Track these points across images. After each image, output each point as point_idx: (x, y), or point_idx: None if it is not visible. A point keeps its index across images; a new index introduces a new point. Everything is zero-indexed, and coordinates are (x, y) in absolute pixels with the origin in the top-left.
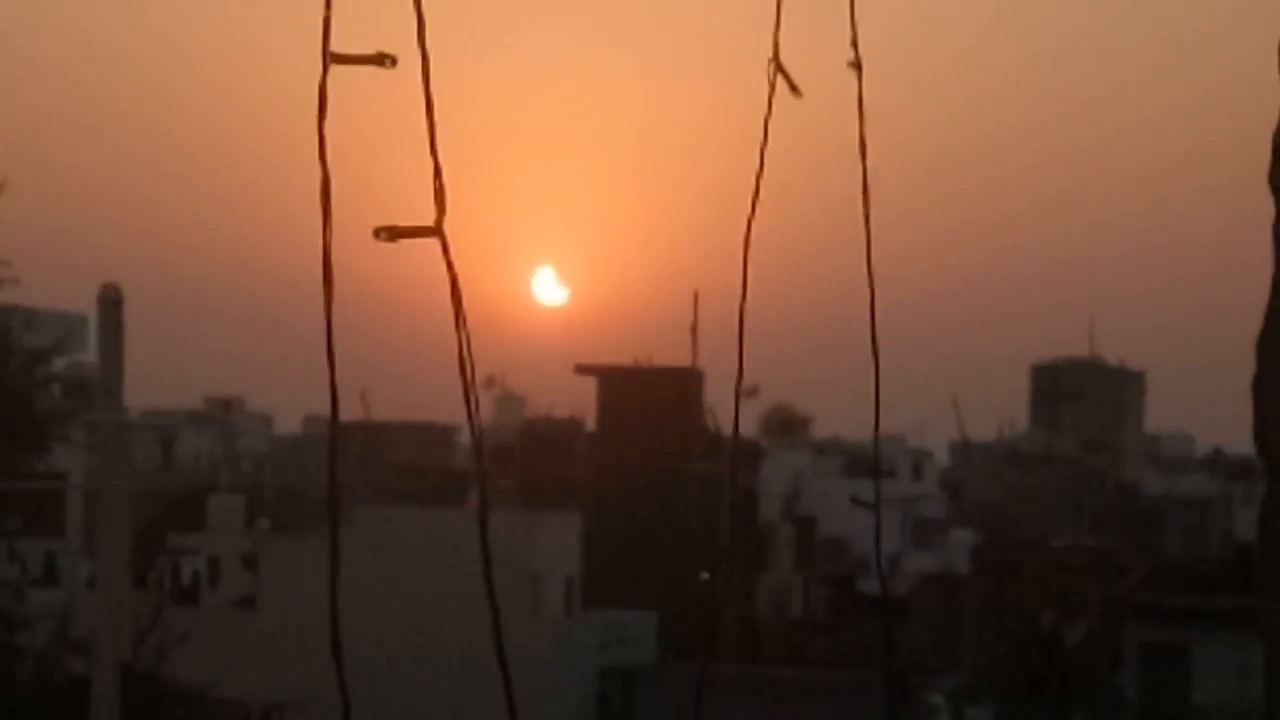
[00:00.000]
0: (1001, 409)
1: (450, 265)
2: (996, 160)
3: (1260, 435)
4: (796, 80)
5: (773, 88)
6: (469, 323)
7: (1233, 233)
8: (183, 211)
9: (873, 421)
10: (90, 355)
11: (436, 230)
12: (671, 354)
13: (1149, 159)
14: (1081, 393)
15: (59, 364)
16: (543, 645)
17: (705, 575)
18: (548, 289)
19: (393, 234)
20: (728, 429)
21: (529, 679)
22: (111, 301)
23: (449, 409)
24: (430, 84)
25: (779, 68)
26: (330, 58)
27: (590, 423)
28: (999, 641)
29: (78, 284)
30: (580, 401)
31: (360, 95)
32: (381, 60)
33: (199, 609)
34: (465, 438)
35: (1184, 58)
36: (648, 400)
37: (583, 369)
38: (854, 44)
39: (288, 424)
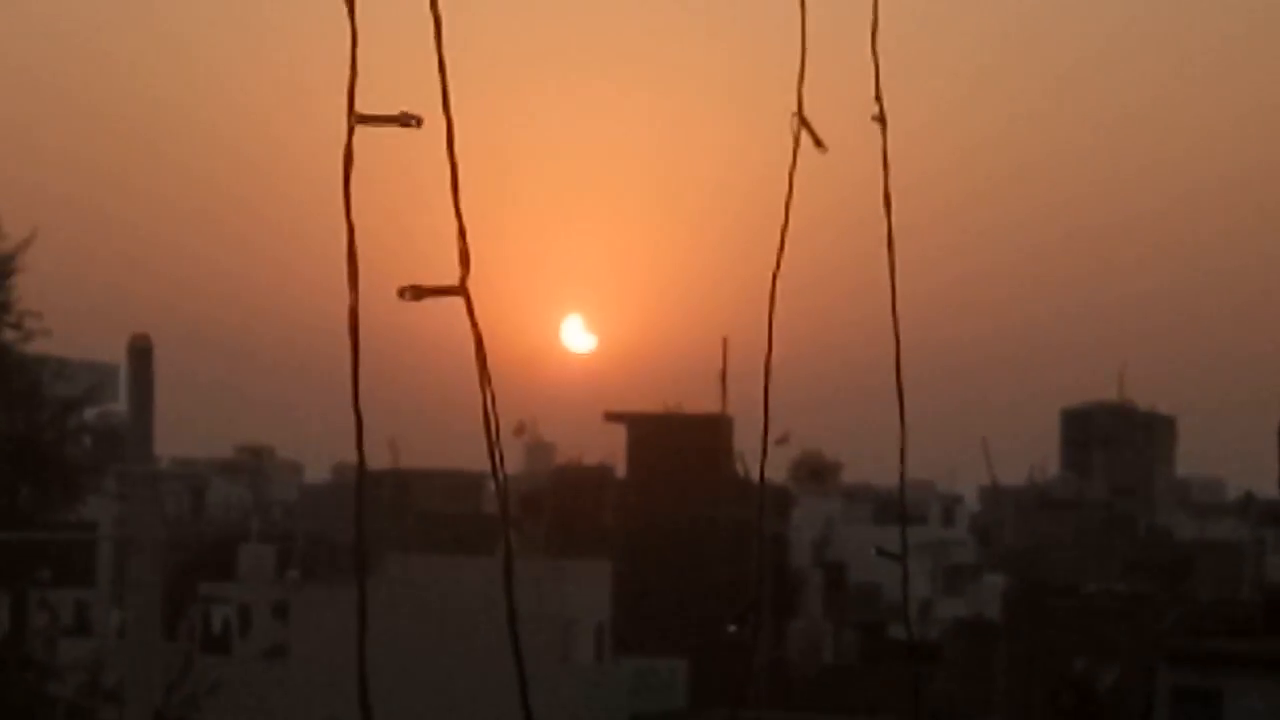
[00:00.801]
0: (1032, 454)
1: (474, 323)
2: (1024, 203)
3: None
4: (820, 132)
5: (797, 141)
6: (498, 372)
7: (1264, 274)
8: (213, 262)
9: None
10: (120, 405)
11: (461, 289)
12: (701, 401)
13: (1176, 201)
14: (1112, 438)
15: (89, 414)
16: (574, 692)
17: (733, 626)
18: (576, 337)
19: (417, 293)
20: (758, 476)
21: None
22: (141, 351)
23: (478, 456)
24: (454, 144)
25: (803, 121)
26: (355, 118)
27: (620, 469)
28: (1031, 687)
29: (108, 334)
30: (610, 448)
31: (387, 154)
32: (406, 121)
33: (229, 658)
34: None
35: (1209, 93)
36: (677, 447)
37: (612, 416)
38: (878, 97)
39: (318, 472)
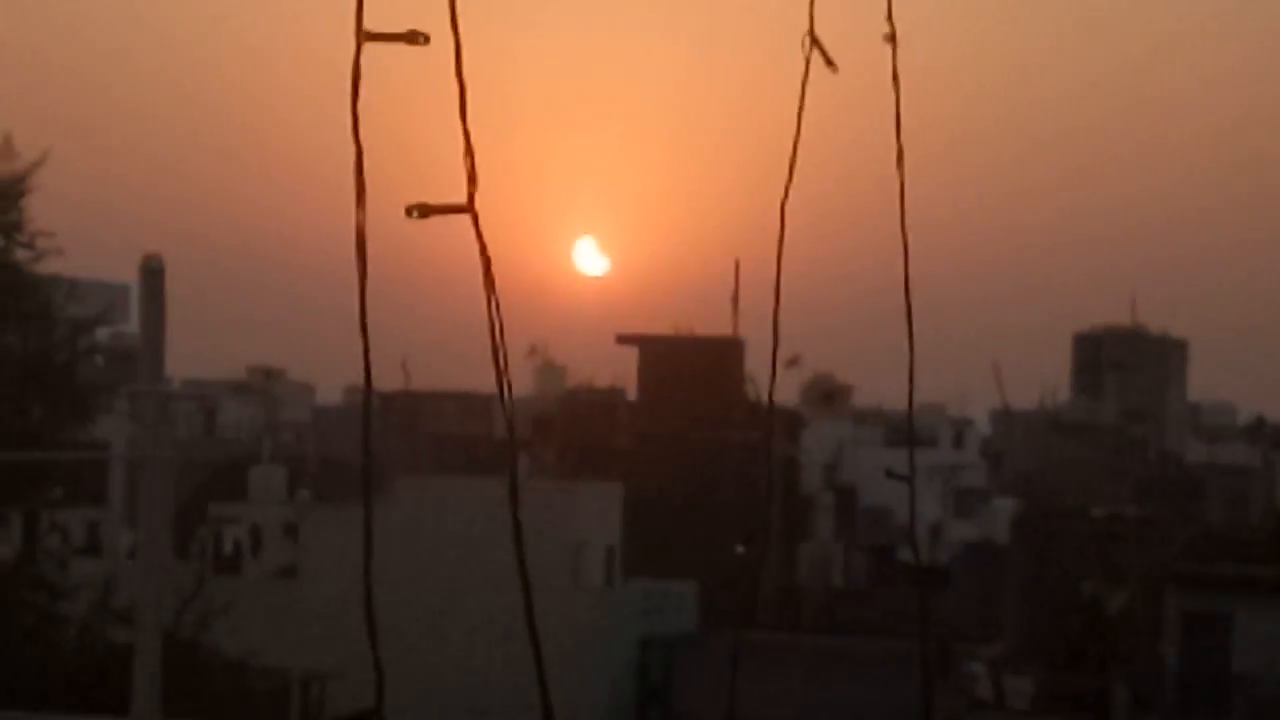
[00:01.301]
0: (1044, 378)
1: (482, 242)
2: (1036, 129)
3: None
4: (832, 54)
5: (808, 61)
6: (508, 293)
7: (1276, 205)
8: (223, 184)
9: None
10: (132, 325)
11: (469, 207)
12: (713, 323)
13: (1189, 128)
14: (1124, 362)
15: (101, 334)
16: (584, 614)
17: (742, 547)
18: (589, 259)
19: (425, 211)
20: (767, 398)
21: (570, 648)
22: (153, 271)
23: (490, 378)
24: (462, 61)
25: (815, 41)
26: (363, 35)
27: (631, 392)
28: (1040, 610)
29: (120, 255)
30: (622, 371)
31: (394, 72)
32: (415, 38)
33: (240, 579)
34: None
35: (1227, 23)
36: (689, 370)
37: (624, 339)
38: (889, 17)
39: (329, 394)
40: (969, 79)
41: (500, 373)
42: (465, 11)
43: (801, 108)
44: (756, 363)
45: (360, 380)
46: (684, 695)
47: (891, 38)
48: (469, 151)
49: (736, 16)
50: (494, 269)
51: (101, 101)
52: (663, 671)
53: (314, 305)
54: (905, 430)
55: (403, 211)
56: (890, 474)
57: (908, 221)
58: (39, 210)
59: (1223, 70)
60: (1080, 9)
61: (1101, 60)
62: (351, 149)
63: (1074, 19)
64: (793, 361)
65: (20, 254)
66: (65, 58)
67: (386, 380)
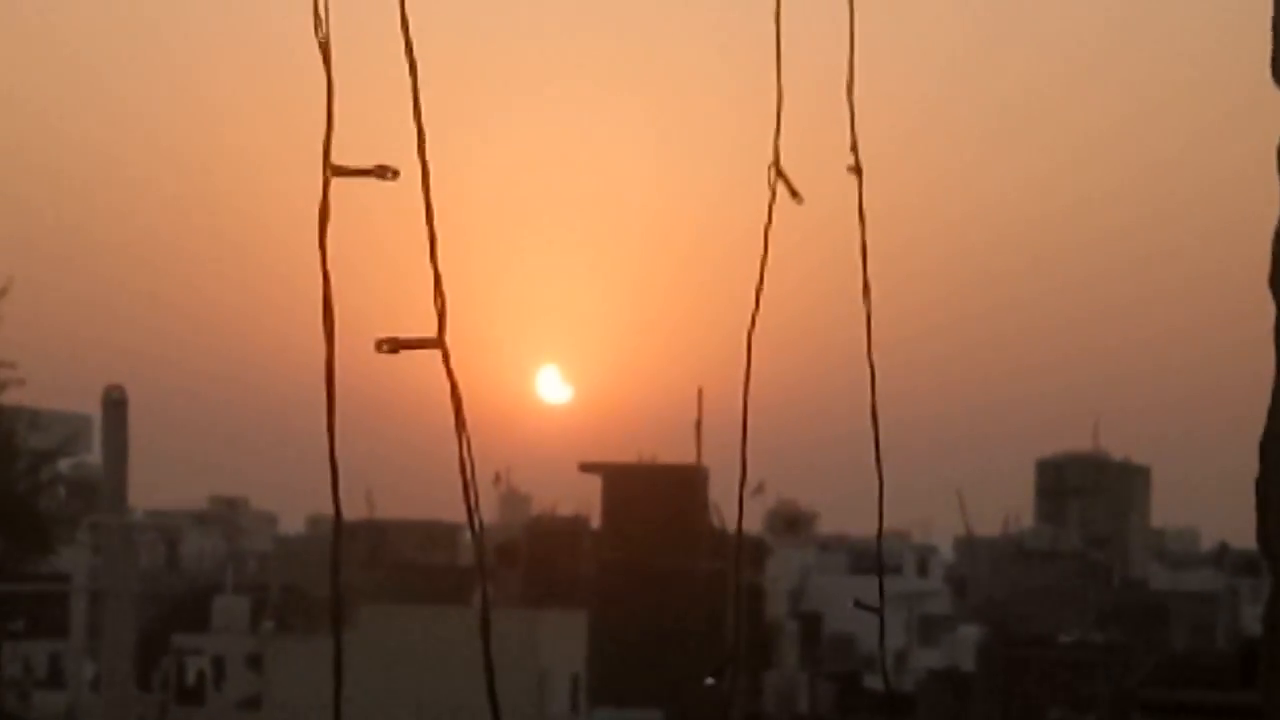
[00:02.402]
0: (1007, 504)
1: (451, 377)
2: (995, 254)
3: (1263, 535)
4: (798, 185)
5: (774, 193)
6: (475, 423)
7: (1237, 328)
8: (188, 312)
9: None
10: (95, 456)
11: (439, 342)
12: (676, 451)
13: (1150, 256)
14: (1086, 488)
15: (64, 465)
16: None
17: (710, 680)
18: (552, 387)
19: (395, 345)
20: (733, 526)
21: None
22: (116, 402)
23: (454, 508)
24: (431, 200)
25: (779, 173)
26: (331, 170)
27: (595, 520)
28: None
29: (82, 385)
30: (585, 499)
31: (363, 206)
32: (383, 173)
33: (204, 709)
34: (470, 536)
35: (1188, 155)
36: (652, 497)
37: (587, 467)
38: (854, 148)
39: (292, 523)
40: (934, 210)
41: (471, 510)
42: (432, 146)
43: (767, 239)
44: (720, 490)
45: (324, 509)
46: None
47: (857, 170)
48: (439, 291)
49: (700, 147)
50: (463, 400)
51: (63, 231)
52: None
53: (277, 435)
54: (870, 557)
55: (371, 345)
56: (859, 605)
57: (874, 350)
58: (0, 340)
59: (1187, 200)
60: (1041, 140)
61: (1065, 191)
62: (320, 284)
63: (1037, 149)
64: (757, 489)
65: None
66: (28, 190)
67: (350, 509)
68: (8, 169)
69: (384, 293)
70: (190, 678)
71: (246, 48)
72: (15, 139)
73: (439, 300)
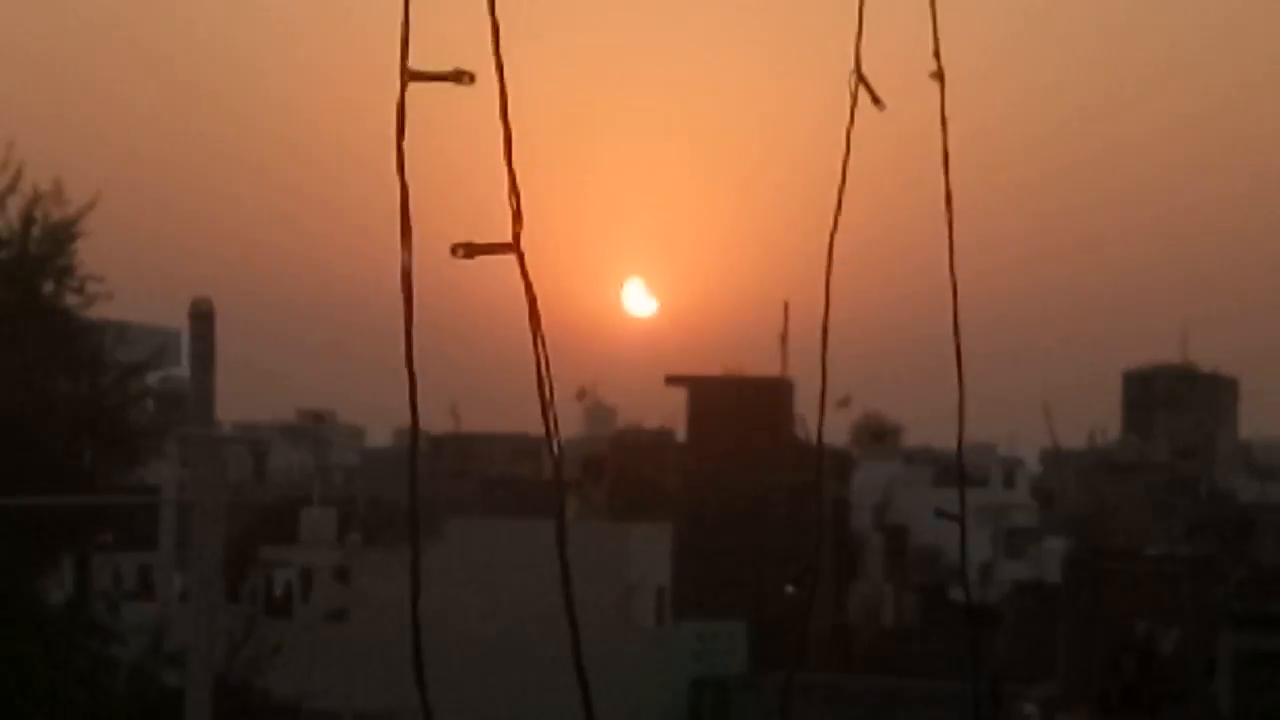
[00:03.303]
0: (1094, 416)
1: (527, 281)
2: (1083, 161)
3: None
4: (881, 92)
5: (855, 99)
6: (556, 334)
7: None
8: (271, 223)
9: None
10: (182, 369)
11: (514, 246)
12: (762, 364)
13: (1243, 176)
14: (1174, 400)
15: (152, 378)
16: (635, 655)
17: (792, 587)
18: (638, 300)
19: (470, 250)
20: (817, 438)
21: (621, 689)
22: (203, 316)
23: (539, 420)
24: (507, 99)
25: (861, 79)
26: (408, 75)
27: (681, 433)
28: (1092, 650)
29: (170, 298)
30: (671, 412)
31: (439, 111)
32: (459, 77)
33: (291, 621)
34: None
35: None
36: (738, 410)
37: (673, 380)
38: (936, 54)
39: (379, 437)
40: (1013, 106)
41: (547, 414)
42: (510, 47)
43: (849, 146)
44: (806, 403)
45: (409, 422)
46: None
47: (939, 76)
48: (514, 190)
49: (780, 55)
50: (541, 309)
51: (151, 145)
52: (714, 713)
53: (363, 348)
54: (955, 470)
55: (448, 251)
56: (940, 514)
57: (957, 262)
58: (88, 253)
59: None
60: (1132, 57)
61: (1157, 112)
62: (396, 189)
63: (1126, 68)
64: (842, 402)
65: (70, 299)
66: (117, 90)
67: (436, 423)
68: (94, 76)
69: (462, 200)
70: (278, 589)
71: None
72: (103, 49)
73: (514, 201)
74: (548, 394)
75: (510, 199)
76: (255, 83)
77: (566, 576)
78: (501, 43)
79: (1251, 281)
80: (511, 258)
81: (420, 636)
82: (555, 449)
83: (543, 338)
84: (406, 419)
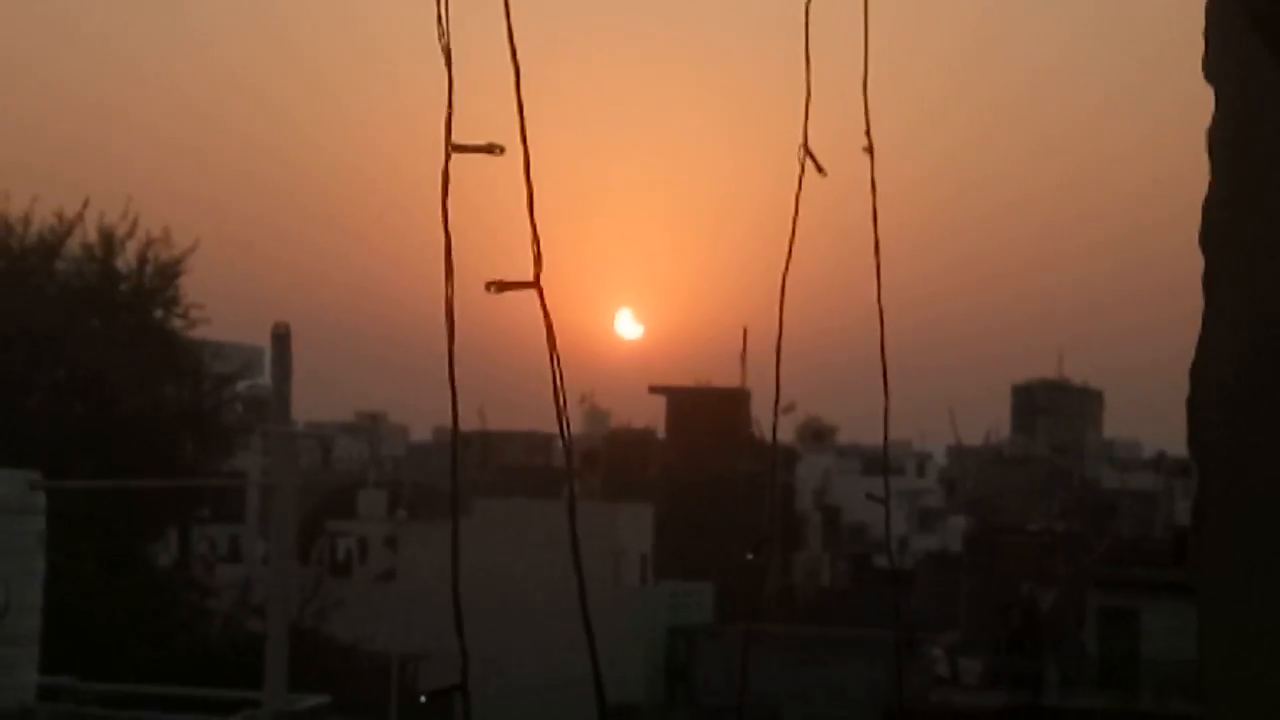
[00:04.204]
0: (989, 419)
1: (546, 313)
2: (987, 227)
3: (1192, 445)
4: (822, 161)
5: (803, 167)
6: (564, 353)
7: (1176, 277)
8: (337, 266)
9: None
10: (265, 379)
11: (535, 284)
12: (726, 377)
13: (1114, 227)
14: (1052, 407)
15: (241, 386)
16: (623, 609)
17: (750, 555)
18: (628, 326)
19: (500, 287)
20: (771, 438)
21: (611, 635)
22: (281, 336)
23: (549, 420)
24: (530, 166)
25: (807, 151)
26: (451, 148)
27: (661, 432)
28: (987, 606)
29: (255, 322)
30: (653, 415)
31: (475, 174)
32: (492, 149)
33: (350, 580)
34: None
35: (1150, 96)
36: (706, 414)
37: (655, 389)
38: (867, 132)
39: (421, 433)
40: (935, 183)
41: (561, 418)
42: (533, 129)
43: (798, 204)
44: (760, 408)
45: (446, 421)
46: (703, 674)
47: (869, 149)
48: (535, 238)
49: (750, 132)
50: (555, 335)
51: (241, 200)
52: (687, 655)
53: (410, 362)
54: (880, 461)
55: (482, 287)
56: (870, 497)
57: (883, 296)
58: (189, 285)
59: (1129, 145)
60: (1020, 94)
61: (1048, 172)
62: (441, 238)
63: (1011, 101)
64: (789, 408)
65: (176, 323)
66: (209, 153)
67: (467, 422)
68: (209, 156)
69: (492, 245)
70: (340, 554)
71: (376, 55)
72: (210, 136)
73: (535, 248)
74: (562, 402)
75: (532, 246)
76: (326, 151)
77: (575, 545)
78: (526, 120)
79: (1113, 313)
80: (533, 292)
81: (459, 593)
82: (567, 447)
83: (558, 357)
84: (445, 418)
